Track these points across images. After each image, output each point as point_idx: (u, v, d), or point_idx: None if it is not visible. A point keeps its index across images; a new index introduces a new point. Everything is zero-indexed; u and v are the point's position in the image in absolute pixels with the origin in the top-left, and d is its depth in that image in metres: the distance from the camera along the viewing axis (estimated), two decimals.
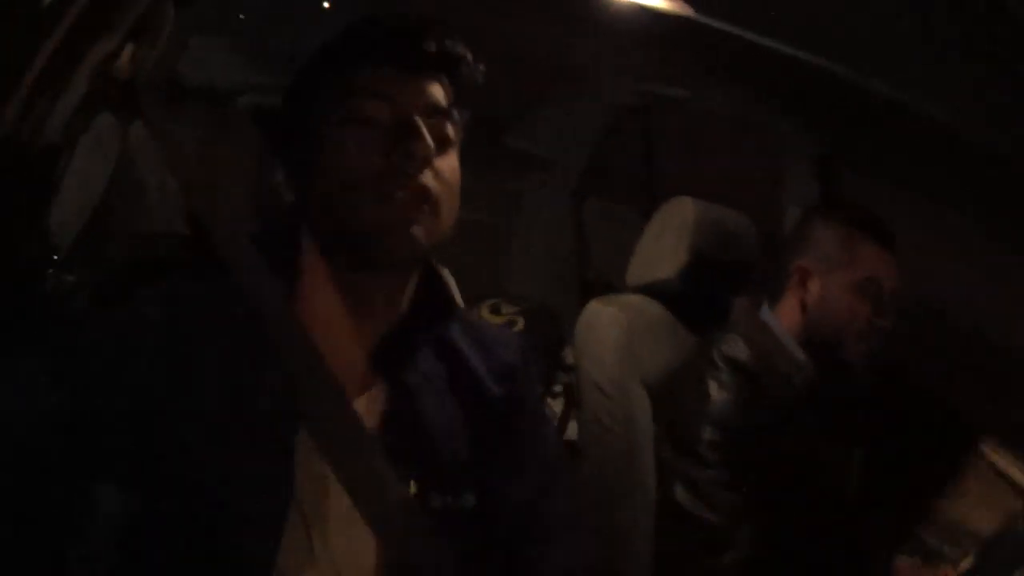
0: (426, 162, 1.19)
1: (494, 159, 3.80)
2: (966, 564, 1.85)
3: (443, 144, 1.24)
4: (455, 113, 1.27)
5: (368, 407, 1.24)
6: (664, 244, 2.33)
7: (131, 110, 1.77)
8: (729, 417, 1.96)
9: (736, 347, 2.05)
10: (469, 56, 1.28)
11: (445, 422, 1.30)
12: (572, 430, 2.55)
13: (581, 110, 3.68)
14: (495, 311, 3.47)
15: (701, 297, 2.28)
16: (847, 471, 2.08)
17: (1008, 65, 1.51)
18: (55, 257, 1.80)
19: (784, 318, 2.10)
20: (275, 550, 1.14)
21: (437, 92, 1.24)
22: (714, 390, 1.99)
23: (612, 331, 2.23)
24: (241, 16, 3.92)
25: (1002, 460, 1.88)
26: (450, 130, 1.25)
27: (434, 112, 1.23)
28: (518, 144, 3.96)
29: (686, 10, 1.81)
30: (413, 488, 1.23)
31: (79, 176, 1.89)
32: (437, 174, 1.21)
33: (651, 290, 2.36)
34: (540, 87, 3.79)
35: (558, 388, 3.40)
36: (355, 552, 1.20)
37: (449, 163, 1.25)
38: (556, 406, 3.33)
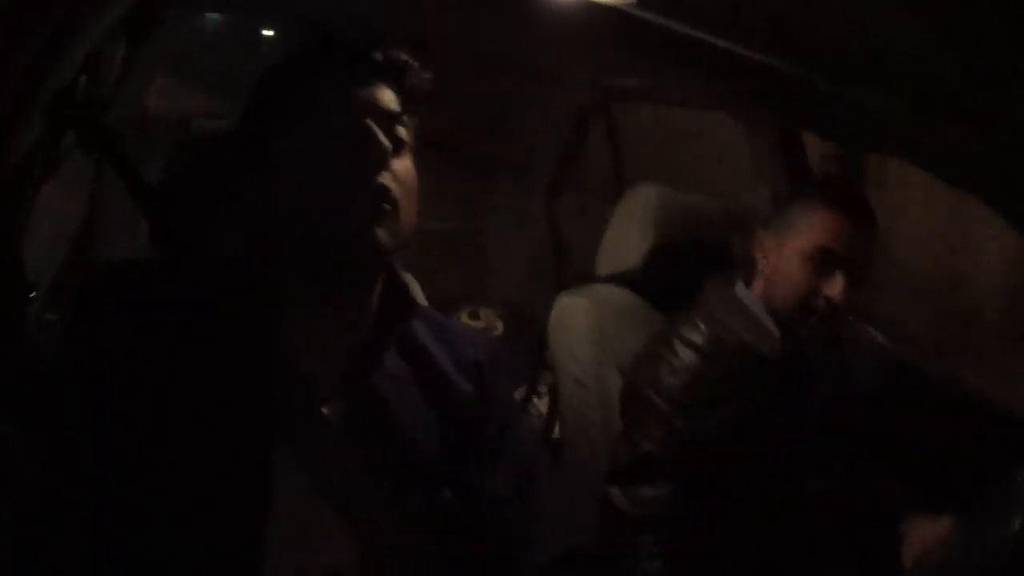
0: (383, 164, 1.22)
1: (464, 166, 3.83)
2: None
3: (397, 147, 1.26)
4: (406, 118, 1.29)
5: (340, 413, 1.26)
6: (630, 232, 2.35)
7: (96, 144, 1.79)
8: (674, 406, 1.98)
9: (694, 329, 2.06)
10: (415, 64, 1.31)
11: (415, 421, 1.32)
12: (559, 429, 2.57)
13: (546, 110, 3.70)
14: (474, 317, 3.51)
15: (671, 281, 2.30)
16: (829, 437, 2.10)
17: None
18: (32, 295, 1.81)
19: (756, 291, 2.11)
20: (260, 560, 1.16)
21: (388, 98, 1.27)
22: (665, 375, 2.01)
23: (584, 322, 2.26)
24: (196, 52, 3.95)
25: None
26: (403, 133, 1.28)
27: (386, 117, 1.26)
28: (486, 149, 3.98)
29: (627, 2, 1.82)
30: (389, 489, 1.25)
31: (52, 213, 1.90)
32: (394, 176, 1.24)
33: (621, 278, 2.38)
34: (503, 90, 3.82)
35: (543, 388, 3.42)
36: (337, 556, 1.23)
37: (404, 164, 1.27)
38: (542, 406, 3.35)
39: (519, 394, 3.28)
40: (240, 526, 1.17)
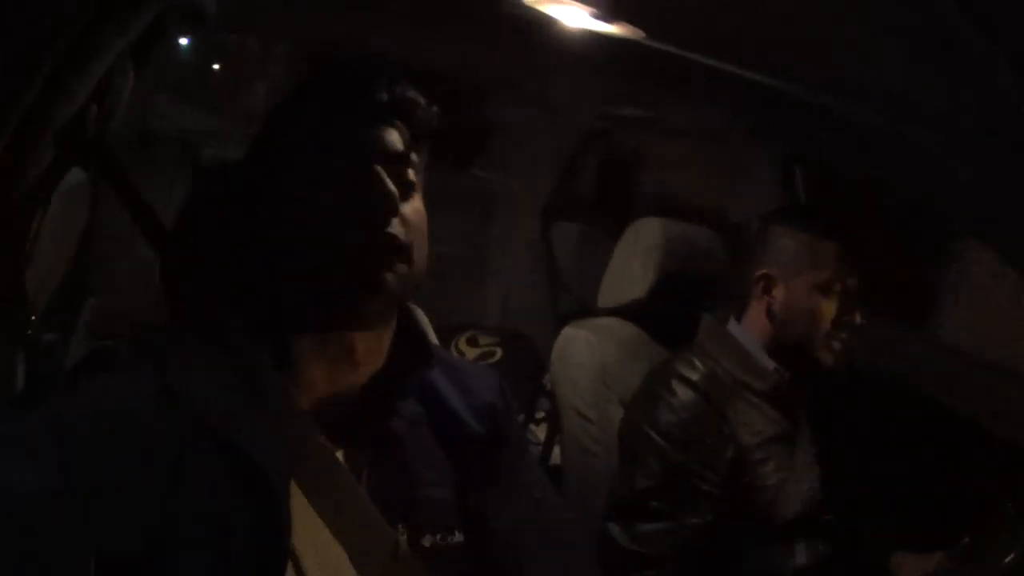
0: (392, 210, 1.20)
1: (463, 191, 3.84)
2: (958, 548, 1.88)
3: (406, 189, 1.24)
4: (414, 157, 1.27)
5: (355, 456, 1.25)
6: (633, 264, 2.35)
7: (99, 166, 1.78)
8: (672, 443, 1.97)
9: (690, 367, 2.07)
10: (422, 100, 1.29)
11: (429, 465, 1.31)
12: (557, 455, 2.57)
13: (545, 137, 3.71)
14: (472, 343, 3.49)
15: (674, 314, 2.29)
16: (827, 472, 2.10)
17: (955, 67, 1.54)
18: (33, 317, 1.80)
19: (752, 328, 2.11)
20: None
21: (394, 139, 1.25)
22: (664, 414, 2.01)
23: (586, 355, 2.26)
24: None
25: None
26: (411, 174, 1.26)
27: (393, 159, 1.24)
28: (485, 174, 3.98)
29: (637, 33, 1.83)
30: (403, 532, 1.23)
31: (52, 235, 1.89)
32: (404, 220, 1.22)
33: (623, 311, 2.38)
34: (505, 116, 3.82)
35: (540, 414, 3.41)
36: None
37: (414, 207, 1.25)
38: (539, 432, 3.34)
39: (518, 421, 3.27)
40: (253, 567, 1.15)
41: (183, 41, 3.77)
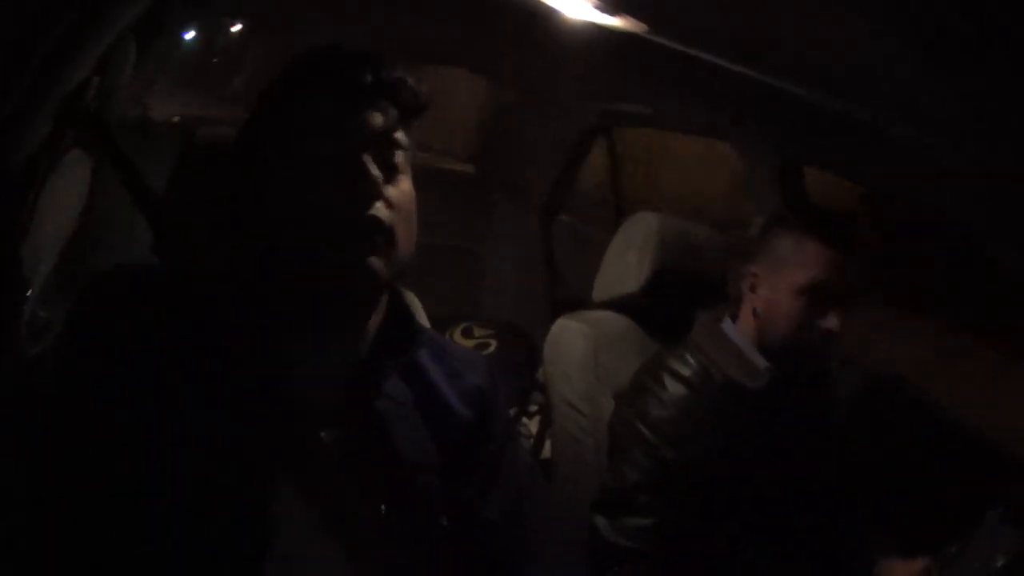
0: (374, 194, 1.19)
1: (463, 183, 3.84)
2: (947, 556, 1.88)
3: (391, 172, 1.23)
4: (401, 139, 1.26)
5: (339, 435, 1.24)
6: (629, 258, 2.34)
7: (99, 144, 1.79)
8: (662, 438, 1.97)
9: (682, 363, 2.06)
10: (409, 80, 1.27)
11: (415, 447, 1.30)
12: (548, 449, 2.57)
13: (547, 131, 3.71)
14: (467, 334, 3.49)
15: (667, 309, 2.29)
16: (811, 473, 2.10)
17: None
18: (28, 292, 1.80)
19: (744, 326, 2.10)
20: None
21: (379, 121, 1.24)
22: (654, 408, 2.01)
23: (579, 347, 2.25)
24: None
25: None
26: (398, 157, 1.25)
27: (378, 141, 1.23)
28: (486, 167, 3.98)
29: (639, 27, 1.83)
30: (386, 513, 1.24)
31: (50, 211, 1.90)
32: (389, 203, 1.21)
33: (617, 305, 2.38)
34: (505, 109, 3.83)
35: (533, 408, 3.41)
36: None
37: (400, 189, 1.24)
38: (532, 425, 3.34)
39: (510, 413, 3.27)
40: (236, 547, 1.15)
41: (185, 27, 3.78)
